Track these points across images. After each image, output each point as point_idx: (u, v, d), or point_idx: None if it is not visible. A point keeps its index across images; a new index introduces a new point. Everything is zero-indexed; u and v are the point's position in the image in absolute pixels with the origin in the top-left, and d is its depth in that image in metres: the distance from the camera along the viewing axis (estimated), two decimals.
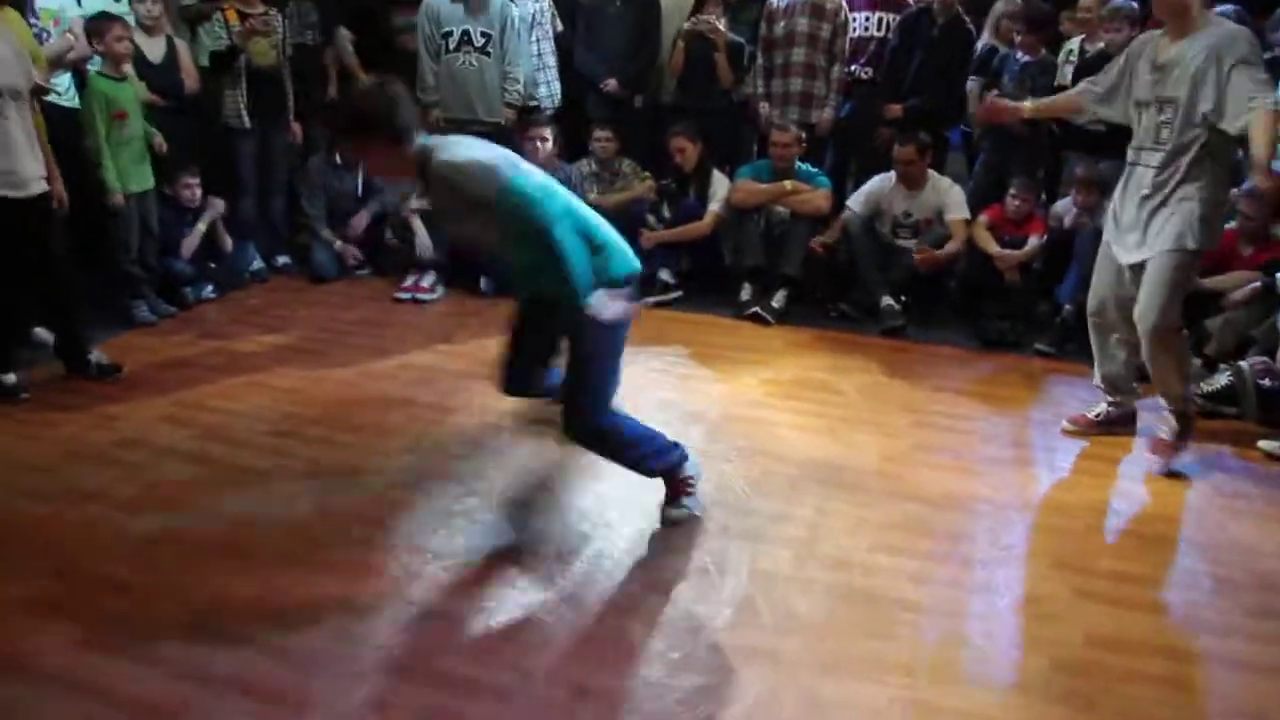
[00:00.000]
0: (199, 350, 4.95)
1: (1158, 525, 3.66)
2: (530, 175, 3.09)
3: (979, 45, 6.21)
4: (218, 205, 5.65)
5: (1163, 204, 3.84)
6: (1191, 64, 3.71)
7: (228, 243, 5.75)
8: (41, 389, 4.40)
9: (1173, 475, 4.02)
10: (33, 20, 4.83)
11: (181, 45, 5.70)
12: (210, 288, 5.66)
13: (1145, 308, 3.91)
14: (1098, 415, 4.39)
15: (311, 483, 3.66)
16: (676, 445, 3.44)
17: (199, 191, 5.57)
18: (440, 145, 3.14)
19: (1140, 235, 3.91)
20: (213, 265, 5.73)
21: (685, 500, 3.46)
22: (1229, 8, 5.50)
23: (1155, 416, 4.22)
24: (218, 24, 5.72)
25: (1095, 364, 4.38)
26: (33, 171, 4.23)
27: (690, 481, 3.47)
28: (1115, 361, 4.30)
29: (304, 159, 6.25)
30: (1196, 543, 3.55)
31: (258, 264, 6.00)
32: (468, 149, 3.12)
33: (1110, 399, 4.38)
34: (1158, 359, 3.99)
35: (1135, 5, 5.62)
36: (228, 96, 5.80)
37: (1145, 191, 3.88)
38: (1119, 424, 4.37)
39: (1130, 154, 4.00)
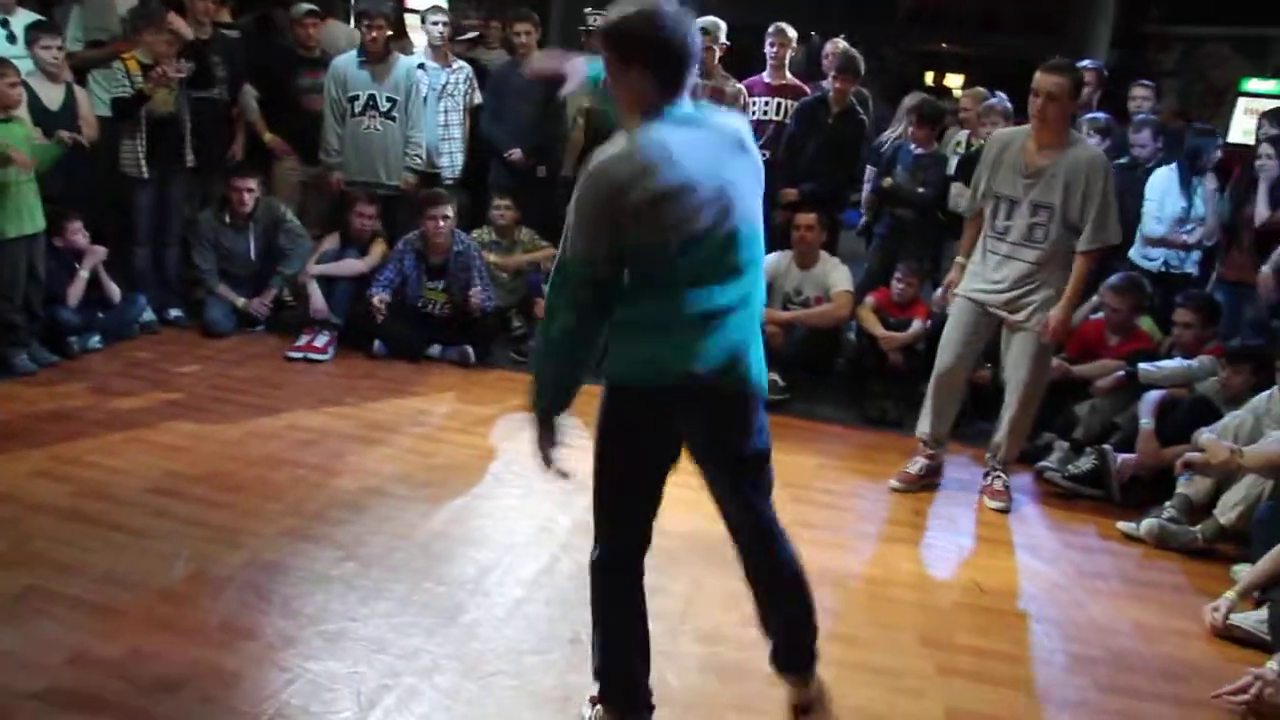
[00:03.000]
0: (80, 403, 4.86)
1: (1020, 603, 3.82)
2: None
3: (887, 137, 6.46)
4: (99, 252, 5.55)
5: (1036, 289, 4.36)
6: (1065, 175, 4.22)
7: (115, 292, 5.65)
8: None
9: (1035, 553, 4.24)
10: None
11: (81, 93, 5.66)
12: (97, 338, 5.56)
13: (1022, 378, 4.50)
14: (921, 470, 4.77)
15: (188, 544, 3.61)
16: (640, 698, 2.77)
17: (85, 238, 5.49)
18: (646, 140, 2.35)
19: (1015, 308, 4.41)
20: (101, 315, 5.63)
21: None
22: (1100, 115, 5.87)
23: (990, 474, 4.74)
24: (119, 72, 5.70)
25: (928, 421, 4.74)
26: None
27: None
28: (947, 419, 4.74)
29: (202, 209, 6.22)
30: (1056, 620, 3.71)
31: (148, 316, 5.90)
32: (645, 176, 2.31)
33: (930, 453, 4.78)
34: (1018, 423, 4.61)
35: (1009, 104, 5.96)
36: (126, 145, 5.75)
37: (1021, 276, 4.38)
38: (932, 476, 4.83)
39: (1004, 246, 4.41)
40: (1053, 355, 4.62)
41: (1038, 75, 4.21)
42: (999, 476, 4.72)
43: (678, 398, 2.52)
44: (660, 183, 2.32)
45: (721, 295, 2.47)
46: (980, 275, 4.50)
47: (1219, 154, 5.82)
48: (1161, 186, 5.75)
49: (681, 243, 2.37)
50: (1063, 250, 4.31)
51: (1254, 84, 11.76)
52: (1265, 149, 5.53)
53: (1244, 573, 3.83)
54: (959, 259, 4.68)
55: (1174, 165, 5.77)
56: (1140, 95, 6.31)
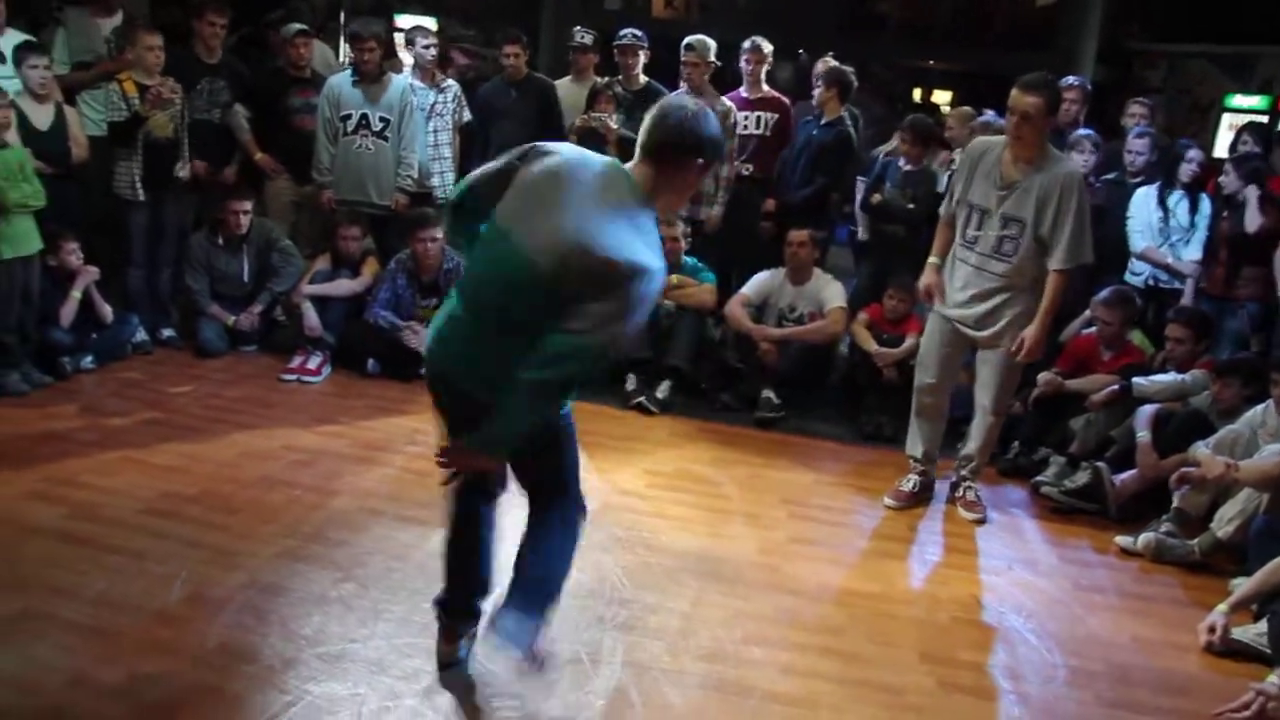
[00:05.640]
0: (73, 424, 4.82)
1: (1019, 618, 3.82)
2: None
3: (879, 153, 6.48)
4: (91, 272, 5.52)
5: (1005, 304, 4.37)
6: (1038, 191, 4.21)
7: (107, 312, 5.62)
8: None
9: (1033, 568, 4.24)
10: None
11: (71, 113, 5.66)
12: (89, 358, 5.52)
13: (994, 393, 4.55)
14: (914, 487, 4.78)
15: (185, 565, 3.59)
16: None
17: (79, 259, 5.47)
18: None
19: (984, 325, 4.42)
20: (94, 336, 5.60)
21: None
22: (1088, 131, 5.90)
23: (961, 485, 4.78)
24: (114, 94, 5.69)
25: (917, 442, 4.78)
26: None
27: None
28: (936, 436, 4.78)
29: (198, 226, 6.21)
30: (1055, 635, 3.71)
31: (141, 336, 5.87)
32: None
33: (922, 469, 4.81)
34: (991, 433, 4.68)
35: (1002, 120, 5.97)
36: (121, 168, 5.73)
37: (988, 290, 4.38)
38: (926, 492, 4.84)
39: (973, 257, 4.40)
40: (1023, 368, 4.60)
41: (1014, 93, 4.19)
42: (971, 487, 4.76)
43: None
44: None
45: None
46: (950, 287, 4.50)
47: (1197, 167, 5.83)
48: (1137, 202, 5.77)
49: None
50: (1031, 267, 4.30)
51: (1239, 100, 11.86)
52: (1227, 168, 5.60)
53: (1239, 586, 3.84)
54: (932, 259, 4.60)
55: (1156, 183, 5.79)
56: (1138, 112, 6.33)
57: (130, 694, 2.89)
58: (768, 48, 6.44)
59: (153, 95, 5.60)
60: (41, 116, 5.45)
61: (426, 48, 6.44)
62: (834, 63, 6.67)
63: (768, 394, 5.66)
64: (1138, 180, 5.87)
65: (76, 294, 5.46)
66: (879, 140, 6.87)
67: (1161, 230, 5.69)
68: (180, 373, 5.66)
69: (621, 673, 3.19)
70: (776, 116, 6.43)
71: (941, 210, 4.62)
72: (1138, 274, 5.84)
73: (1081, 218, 4.20)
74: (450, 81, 6.64)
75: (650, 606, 3.60)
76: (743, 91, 6.48)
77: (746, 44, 6.43)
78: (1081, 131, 5.93)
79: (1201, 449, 4.33)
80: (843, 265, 6.78)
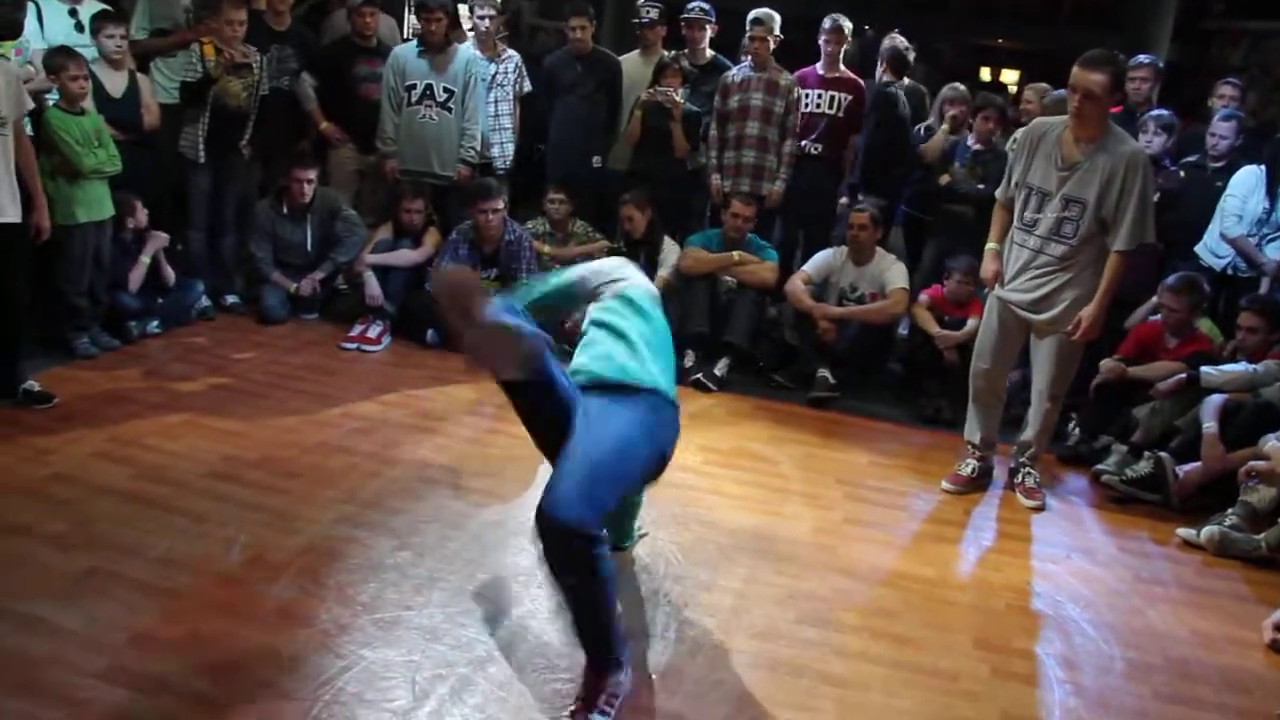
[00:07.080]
0: (139, 386, 4.92)
1: (1075, 608, 3.76)
2: None
3: (922, 129, 6.40)
4: (160, 238, 5.61)
5: (1064, 287, 4.29)
6: (1103, 170, 4.11)
7: (171, 276, 5.71)
8: None
9: (1091, 558, 4.17)
10: None
11: (144, 81, 5.74)
12: (155, 323, 5.62)
13: (1051, 377, 4.48)
14: (972, 472, 4.72)
15: (246, 528, 3.65)
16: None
17: (145, 222, 5.56)
18: None
19: (1042, 309, 4.35)
20: (159, 300, 5.70)
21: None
22: (1164, 111, 5.73)
23: (1020, 471, 4.72)
24: (194, 55, 5.75)
25: (975, 427, 4.75)
26: (4, 201, 4.28)
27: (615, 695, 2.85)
28: (994, 421, 4.74)
29: (263, 194, 6.28)
30: (1113, 626, 3.65)
31: (205, 302, 5.97)
32: None
33: (980, 454, 4.75)
34: (1048, 419, 4.59)
35: None
36: (188, 129, 5.82)
37: (1047, 273, 4.31)
38: (984, 477, 4.78)
39: (1031, 239, 4.32)
40: (1082, 352, 4.50)
41: (1075, 70, 4.05)
42: (1030, 474, 4.69)
43: None
44: None
45: None
46: (1009, 272, 4.43)
47: None
48: (1246, 185, 5.49)
49: None
50: (1090, 249, 4.22)
51: None
52: None
53: None
54: (991, 245, 4.53)
55: (1261, 166, 5.55)
56: (1227, 94, 6.12)
57: (191, 653, 2.94)
58: (848, 27, 6.34)
59: (225, 59, 5.66)
60: (115, 83, 5.54)
61: (483, 18, 6.42)
62: (891, 40, 6.58)
63: (823, 373, 5.62)
64: (1219, 165, 5.69)
65: (145, 259, 5.55)
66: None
67: (1261, 220, 5.46)
68: (243, 339, 5.74)
69: (673, 649, 3.19)
70: (850, 99, 6.32)
71: (999, 193, 4.54)
72: (1221, 256, 5.61)
73: (1145, 198, 4.10)
74: (511, 52, 6.62)
75: (704, 583, 3.60)
76: (819, 69, 6.38)
77: (827, 22, 6.31)
78: (1152, 112, 5.76)
79: (1273, 442, 4.22)
80: (894, 245, 6.69)
